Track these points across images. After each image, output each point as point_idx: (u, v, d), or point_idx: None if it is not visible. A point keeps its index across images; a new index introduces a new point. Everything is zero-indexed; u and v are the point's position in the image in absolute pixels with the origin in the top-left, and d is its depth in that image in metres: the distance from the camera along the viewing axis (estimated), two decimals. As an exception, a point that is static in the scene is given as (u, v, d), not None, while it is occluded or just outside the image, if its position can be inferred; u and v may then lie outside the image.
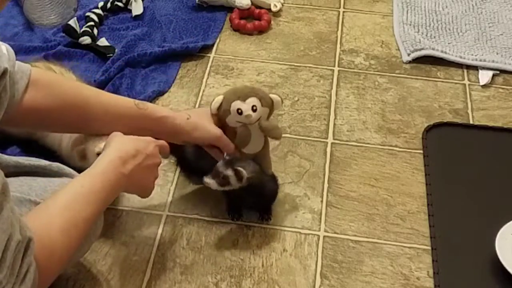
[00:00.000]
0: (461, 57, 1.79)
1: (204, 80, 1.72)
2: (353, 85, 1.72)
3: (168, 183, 1.43)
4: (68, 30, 1.78)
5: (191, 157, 1.40)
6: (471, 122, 1.62)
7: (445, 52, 1.80)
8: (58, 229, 0.94)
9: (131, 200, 1.38)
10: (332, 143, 1.55)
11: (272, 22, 1.93)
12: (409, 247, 1.32)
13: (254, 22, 1.91)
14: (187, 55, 1.79)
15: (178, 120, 1.27)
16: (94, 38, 1.80)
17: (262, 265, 1.28)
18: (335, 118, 1.62)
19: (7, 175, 0.88)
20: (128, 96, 1.57)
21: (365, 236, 1.34)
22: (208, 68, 1.76)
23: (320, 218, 1.37)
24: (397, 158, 1.52)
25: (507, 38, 1.87)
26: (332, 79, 1.74)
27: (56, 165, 1.17)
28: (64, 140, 1.32)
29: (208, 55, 1.81)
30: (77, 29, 1.79)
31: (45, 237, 0.91)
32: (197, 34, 1.87)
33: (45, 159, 1.19)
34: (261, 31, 1.90)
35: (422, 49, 1.81)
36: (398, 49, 1.85)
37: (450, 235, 1.34)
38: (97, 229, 1.15)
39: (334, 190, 1.43)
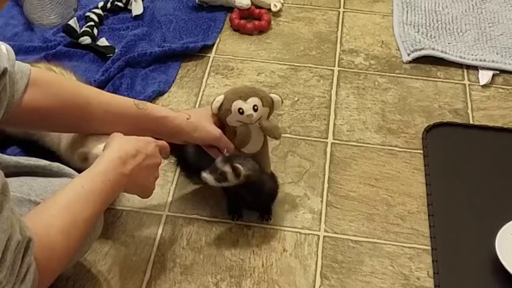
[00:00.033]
0: (461, 57, 1.79)
1: (204, 80, 1.72)
2: (353, 85, 1.72)
3: (168, 183, 1.43)
4: (68, 30, 1.78)
5: (191, 157, 1.40)
6: (471, 122, 1.62)
7: (445, 52, 1.80)
8: (58, 229, 0.94)
9: (131, 200, 1.38)
10: (332, 143, 1.55)
11: (272, 22, 1.93)
12: (409, 247, 1.32)
13: (254, 22, 1.91)
14: (187, 55, 1.79)
15: (178, 120, 1.27)
16: (94, 38, 1.80)
17: (262, 265, 1.28)
18: (335, 118, 1.62)
19: (7, 175, 0.88)
20: (128, 96, 1.57)
21: (365, 236, 1.34)
22: (208, 68, 1.76)
23: (320, 218, 1.37)
24: (397, 158, 1.52)
25: (507, 38, 1.87)
26: (332, 79, 1.74)
27: (56, 165, 1.17)
28: (63, 140, 1.32)
29: (208, 55, 1.81)
30: (77, 29, 1.79)
31: (45, 237, 0.91)
32: (197, 34, 1.87)
33: (45, 159, 1.19)
34: (261, 31, 1.90)
35: (422, 49, 1.80)
36: (398, 49, 1.85)
37: (450, 235, 1.34)
38: (97, 229, 1.15)
39: (334, 190, 1.44)
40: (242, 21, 1.90)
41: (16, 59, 1.09)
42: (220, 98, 1.27)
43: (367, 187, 1.45)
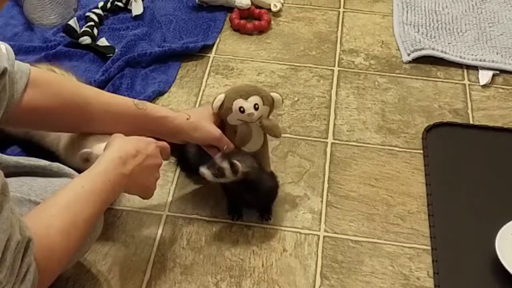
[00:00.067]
0: (461, 57, 1.79)
1: (204, 80, 1.72)
2: (353, 85, 1.72)
3: (168, 183, 1.43)
4: (68, 30, 1.78)
5: (192, 157, 1.40)
6: (471, 122, 1.62)
7: (445, 52, 1.80)
8: (58, 230, 0.94)
9: (131, 200, 1.38)
10: (332, 143, 1.55)
11: (272, 22, 1.93)
12: (409, 247, 1.32)
13: (254, 22, 1.91)
14: (187, 55, 1.79)
15: (178, 120, 1.27)
16: (94, 38, 1.80)
17: (262, 265, 1.28)
18: (335, 118, 1.62)
19: (7, 175, 0.88)
20: (128, 96, 1.57)
21: (365, 236, 1.34)
22: (208, 68, 1.76)
23: (320, 218, 1.37)
24: (397, 158, 1.52)
25: (507, 38, 1.87)
26: (332, 79, 1.74)
27: (56, 165, 1.17)
28: (62, 140, 1.32)
29: (208, 55, 1.81)
30: (77, 29, 1.79)
31: (44, 237, 0.91)
32: (197, 34, 1.87)
33: (45, 159, 1.19)
34: (261, 31, 1.90)
35: (422, 49, 1.80)
36: (398, 49, 1.85)
37: (450, 235, 1.34)
38: (97, 229, 1.15)
39: (334, 190, 1.43)
40: (242, 21, 1.90)
41: (16, 59, 1.09)
42: (221, 97, 1.28)
43: (367, 187, 1.45)
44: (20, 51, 1.70)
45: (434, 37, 1.87)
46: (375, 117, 1.63)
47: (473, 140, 1.56)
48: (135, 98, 1.39)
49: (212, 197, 1.40)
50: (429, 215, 1.38)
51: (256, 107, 1.26)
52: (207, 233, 1.34)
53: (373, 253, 1.31)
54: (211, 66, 1.77)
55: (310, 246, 1.32)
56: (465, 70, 1.78)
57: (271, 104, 1.30)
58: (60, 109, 1.15)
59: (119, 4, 1.93)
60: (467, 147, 1.54)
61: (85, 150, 1.20)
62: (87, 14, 1.88)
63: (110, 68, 1.68)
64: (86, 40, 1.77)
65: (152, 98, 1.63)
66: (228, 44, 1.85)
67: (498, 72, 1.77)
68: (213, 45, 1.84)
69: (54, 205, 0.97)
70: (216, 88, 1.69)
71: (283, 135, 1.49)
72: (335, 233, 1.35)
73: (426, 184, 1.45)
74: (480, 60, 1.78)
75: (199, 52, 1.81)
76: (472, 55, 1.80)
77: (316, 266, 1.28)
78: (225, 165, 1.23)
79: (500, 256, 1.24)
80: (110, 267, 1.26)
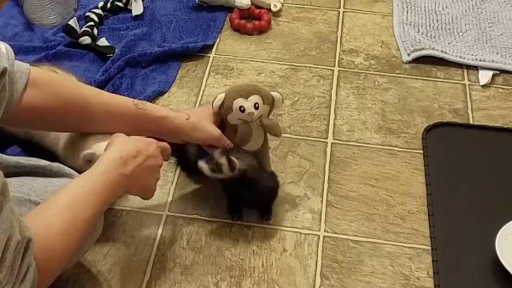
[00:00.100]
0: (461, 57, 1.79)
1: (204, 80, 1.72)
2: (353, 85, 1.72)
3: (168, 183, 1.43)
4: (68, 30, 1.78)
5: (192, 157, 1.40)
6: (471, 122, 1.62)
7: (445, 52, 1.80)
8: (58, 230, 0.94)
9: (131, 200, 1.38)
10: (332, 143, 1.55)
11: (272, 22, 1.93)
12: (409, 247, 1.32)
13: (254, 22, 1.91)
14: (187, 55, 1.79)
15: (178, 120, 1.27)
16: (94, 38, 1.80)
17: (262, 265, 1.28)
18: (335, 118, 1.62)
19: (7, 175, 0.88)
20: (128, 96, 1.57)
21: (365, 236, 1.34)
22: (208, 68, 1.76)
23: (320, 218, 1.37)
24: (397, 158, 1.52)
25: (507, 38, 1.87)
26: (332, 79, 1.74)
27: (56, 165, 1.17)
28: (61, 140, 1.32)
29: (208, 55, 1.81)
30: (77, 29, 1.79)
31: (44, 237, 0.91)
32: (197, 34, 1.87)
33: (45, 159, 1.19)
34: (261, 31, 1.90)
35: (422, 49, 1.80)
36: (398, 49, 1.85)
37: (450, 235, 1.34)
38: (97, 229, 1.15)
39: (334, 190, 1.43)
40: (242, 21, 1.90)
41: (16, 59, 1.09)
42: (221, 96, 1.28)
43: (367, 187, 1.45)
44: (20, 51, 1.70)
45: (434, 37, 1.87)
46: (375, 117, 1.63)
47: (473, 140, 1.56)
48: (135, 98, 1.40)
49: (212, 197, 1.40)
50: (429, 215, 1.38)
51: (256, 106, 1.27)
52: (207, 233, 1.34)
53: (373, 253, 1.31)
54: (211, 66, 1.77)
55: (310, 246, 1.32)
56: (465, 70, 1.78)
57: (271, 103, 1.30)
58: (60, 109, 1.15)
59: (119, 4, 1.93)
60: (467, 147, 1.54)
61: (87, 151, 1.20)
62: (87, 14, 1.88)
63: (110, 68, 1.68)
64: (86, 40, 1.77)
65: (152, 98, 1.63)
66: (228, 44, 1.85)
67: (498, 72, 1.77)
68: (213, 45, 1.84)
69: (54, 205, 0.97)
70: (216, 88, 1.69)
71: (283, 135, 1.49)
72: (335, 233, 1.35)
73: (426, 184, 1.45)
74: (480, 60, 1.78)
75: (199, 52, 1.81)
76: (472, 55, 1.80)
77: (316, 266, 1.28)
78: (223, 161, 1.23)
79: (500, 256, 1.24)
80: (110, 267, 1.26)
